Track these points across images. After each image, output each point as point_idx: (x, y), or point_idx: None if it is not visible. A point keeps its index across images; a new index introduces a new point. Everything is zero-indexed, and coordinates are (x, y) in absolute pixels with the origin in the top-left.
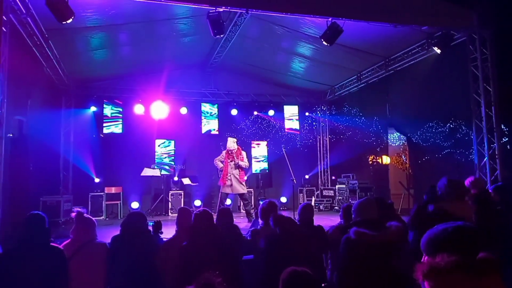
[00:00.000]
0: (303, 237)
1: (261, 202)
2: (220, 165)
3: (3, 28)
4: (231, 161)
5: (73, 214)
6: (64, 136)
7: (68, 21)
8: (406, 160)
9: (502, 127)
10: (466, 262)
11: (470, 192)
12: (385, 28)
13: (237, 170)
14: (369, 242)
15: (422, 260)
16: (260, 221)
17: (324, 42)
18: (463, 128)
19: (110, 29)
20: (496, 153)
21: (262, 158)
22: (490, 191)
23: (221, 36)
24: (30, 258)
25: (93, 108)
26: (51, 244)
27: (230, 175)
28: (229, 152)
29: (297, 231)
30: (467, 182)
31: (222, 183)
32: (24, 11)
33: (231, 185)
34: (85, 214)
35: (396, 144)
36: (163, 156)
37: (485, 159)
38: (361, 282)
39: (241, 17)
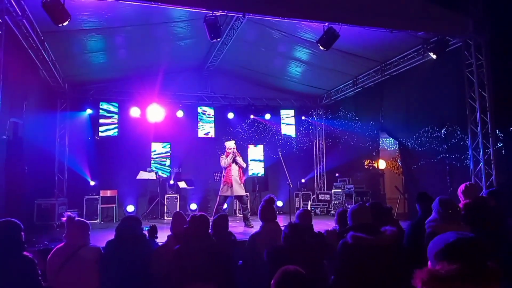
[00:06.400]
0: (309, 246)
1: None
2: (229, 159)
3: None
4: (233, 154)
5: (64, 219)
6: (59, 139)
7: (65, 24)
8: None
9: (497, 132)
10: (466, 271)
11: (462, 212)
12: (381, 33)
13: (237, 172)
14: (366, 246)
15: (423, 268)
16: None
17: (320, 47)
18: (458, 133)
19: (106, 32)
20: (492, 158)
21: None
22: (484, 196)
23: (218, 40)
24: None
25: (88, 111)
26: (23, 253)
27: (231, 177)
28: (228, 151)
29: (305, 241)
30: (459, 191)
31: (223, 182)
32: (19, 13)
33: (232, 186)
34: (76, 218)
35: (392, 148)
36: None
37: (480, 165)
38: (358, 286)
39: (238, 21)
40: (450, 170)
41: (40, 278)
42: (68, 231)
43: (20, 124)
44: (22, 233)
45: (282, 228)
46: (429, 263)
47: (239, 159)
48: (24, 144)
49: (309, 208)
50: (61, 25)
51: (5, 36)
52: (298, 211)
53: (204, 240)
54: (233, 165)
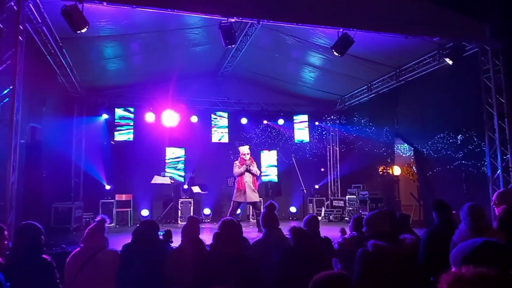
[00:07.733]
0: (318, 250)
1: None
2: (242, 170)
3: (19, 37)
4: (246, 165)
5: (98, 218)
6: (76, 143)
7: (83, 31)
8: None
9: None
10: (492, 276)
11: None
12: (396, 39)
13: (251, 178)
14: (387, 254)
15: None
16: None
17: (335, 53)
18: (474, 139)
19: (122, 39)
20: (510, 165)
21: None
22: None
23: (233, 46)
24: (18, 270)
25: (104, 116)
26: (43, 256)
27: (245, 183)
28: (243, 157)
29: (313, 244)
30: (495, 196)
31: (236, 188)
32: (39, 20)
33: (245, 193)
34: (107, 224)
35: (407, 154)
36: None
37: (498, 172)
38: None
39: (252, 27)
40: (467, 177)
41: (58, 281)
42: (90, 232)
43: (39, 129)
44: (42, 236)
45: (286, 234)
46: (453, 268)
47: (254, 168)
48: (43, 148)
49: (322, 214)
50: (79, 32)
51: (25, 43)
52: (306, 217)
53: (235, 246)
54: (243, 167)
